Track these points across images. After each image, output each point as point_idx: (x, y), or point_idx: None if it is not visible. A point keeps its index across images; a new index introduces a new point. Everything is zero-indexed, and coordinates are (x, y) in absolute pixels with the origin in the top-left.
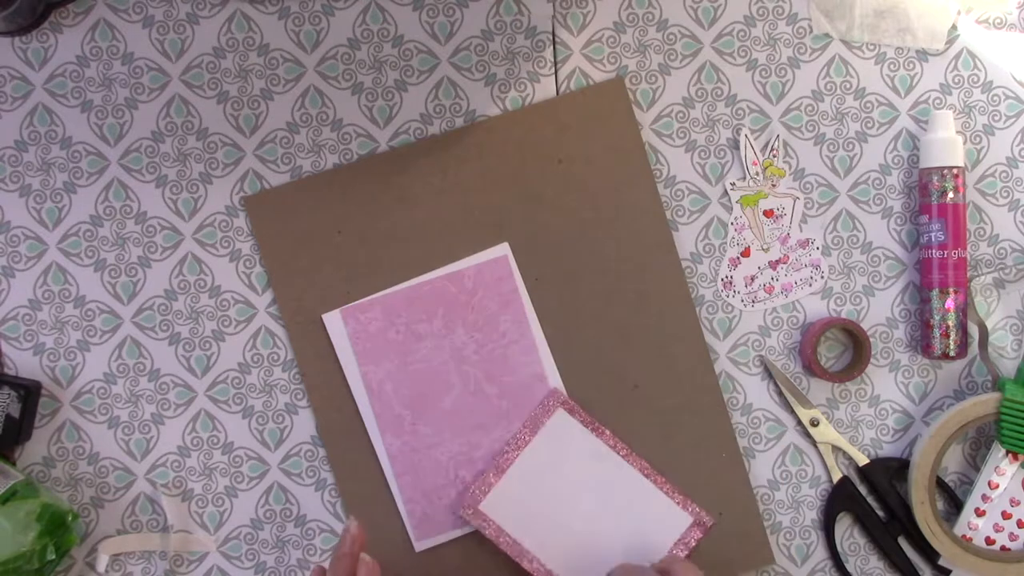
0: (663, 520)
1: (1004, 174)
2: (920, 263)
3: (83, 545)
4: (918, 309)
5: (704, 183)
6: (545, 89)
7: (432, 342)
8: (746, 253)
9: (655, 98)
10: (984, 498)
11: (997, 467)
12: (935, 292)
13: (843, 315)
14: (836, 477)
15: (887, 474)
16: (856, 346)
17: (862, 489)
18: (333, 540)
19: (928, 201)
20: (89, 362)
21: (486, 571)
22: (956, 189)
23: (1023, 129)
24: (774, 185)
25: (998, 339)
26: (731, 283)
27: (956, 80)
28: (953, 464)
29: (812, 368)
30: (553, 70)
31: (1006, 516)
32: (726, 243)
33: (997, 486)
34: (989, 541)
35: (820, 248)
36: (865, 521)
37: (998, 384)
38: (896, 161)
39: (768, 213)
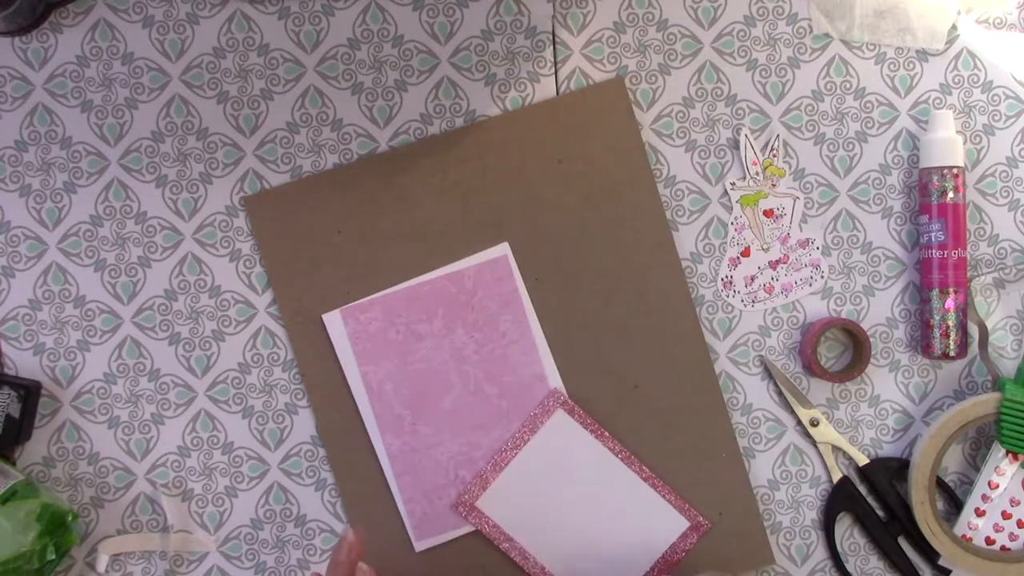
0: (660, 523)
1: (1004, 174)
2: (920, 263)
3: (83, 545)
4: (918, 309)
5: (704, 183)
6: (545, 89)
7: (432, 342)
8: (746, 253)
9: (655, 98)
10: (984, 498)
11: (997, 467)
12: (935, 292)
13: (843, 315)
14: (836, 477)
15: (887, 474)
16: (856, 346)
17: (862, 489)
18: (333, 540)
19: (928, 201)
20: (89, 362)
21: (486, 571)
22: (956, 189)
23: (1023, 129)
24: (774, 185)
25: (998, 339)
26: (731, 283)
27: (956, 80)
28: (953, 464)
29: (812, 368)
30: (553, 70)
31: (1006, 516)
32: (726, 243)
33: (997, 486)
34: (989, 541)
35: (820, 248)
36: (865, 521)
37: (998, 384)
38: (896, 161)
39: (768, 213)
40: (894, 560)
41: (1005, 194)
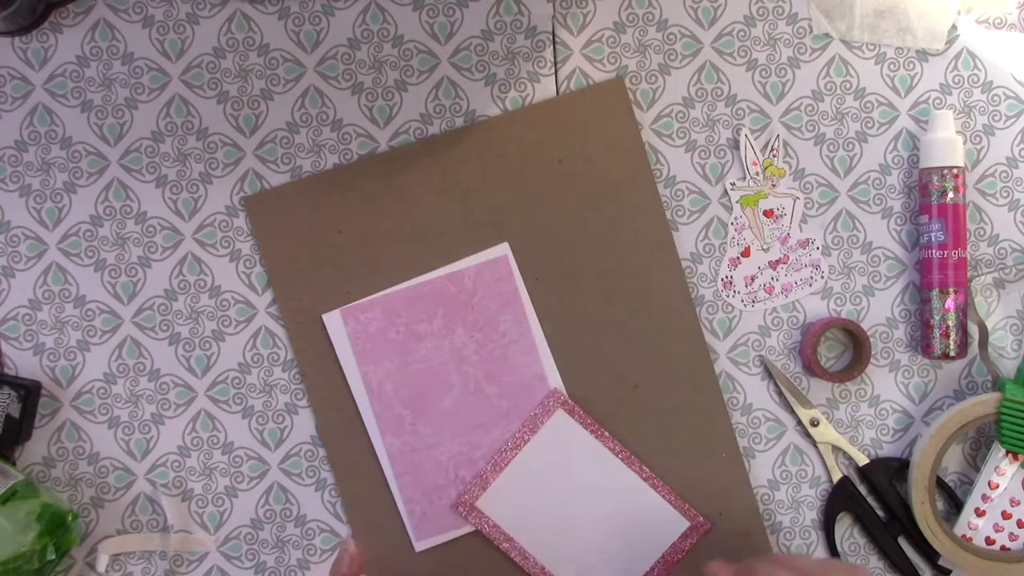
0: (660, 523)
1: (1004, 174)
2: (920, 263)
3: (83, 545)
4: (918, 309)
5: (704, 183)
6: (545, 89)
7: (432, 342)
8: (746, 253)
9: (655, 98)
10: (984, 498)
11: (997, 467)
12: (935, 292)
13: (843, 315)
14: (836, 477)
15: (887, 474)
16: (856, 346)
17: (862, 489)
18: (333, 540)
19: (928, 201)
20: (89, 362)
21: (486, 571)
22: (956, 189)
23: (1023, 129)
24: (774, 185)
25: (998, 339)
26: (731, 283)
27: (956, 80)
28: (953, 464)
29: (812, 368)
30: (553, 70)
31: (1006, 516)
32: (726, 243)
33: (997, 486)
34: (989, 541)
35: (820, 248)
36: (865, 521)
37: (998, 384)
38: (896, 161)
39: (768, 213)
40: (894, 560)
41: (1005, 194)
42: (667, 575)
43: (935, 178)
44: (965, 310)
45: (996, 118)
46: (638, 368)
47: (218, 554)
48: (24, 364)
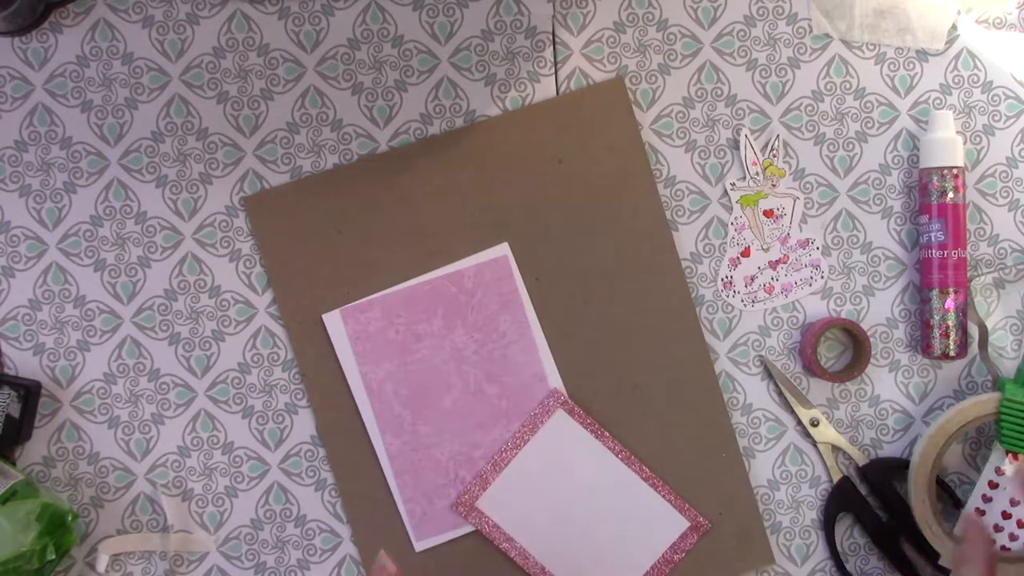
0: (659, 523)
1: (1004, 174)
2: (920, 263)
3: (83, 545)
4: (918, 309)
5: (704, 183)
6: (545, 89)
7: (432, 342)
8: (746, 253)
9: (655, 98)
10: (984, 498)
11: (997, 467)
12: (935, 292)
13: (843, 315)
14: (836, 477)
15: (887, 474)
16: (856, 346)
17: (862, 489)
18: (333, 540)
19: (928, 201)
20: (89, 362)
21: (486, 571)
22: (956, 189)
23: (1023, 129)
24: (774, 185)
25: (998, 339)
26: (731, 283)
27: (956, 80)
28: (953, 464)
29: (812, 368)
30: (553, 70)
31: (1006, 516)
32: (726, 243)
33: (997, 486)
34: None
35: (820, 248)
36: (865, 521)
37: (998, 384)
38: (896, 161)
39: (768, 213)
40: (894, 560)
41: (1005, 194)
42: (667, 575)
43: (935, 178)
44: (965, 310)
45: (996, 118)
46: (638, 368)
47: (218, 554)
48: (24, 364)
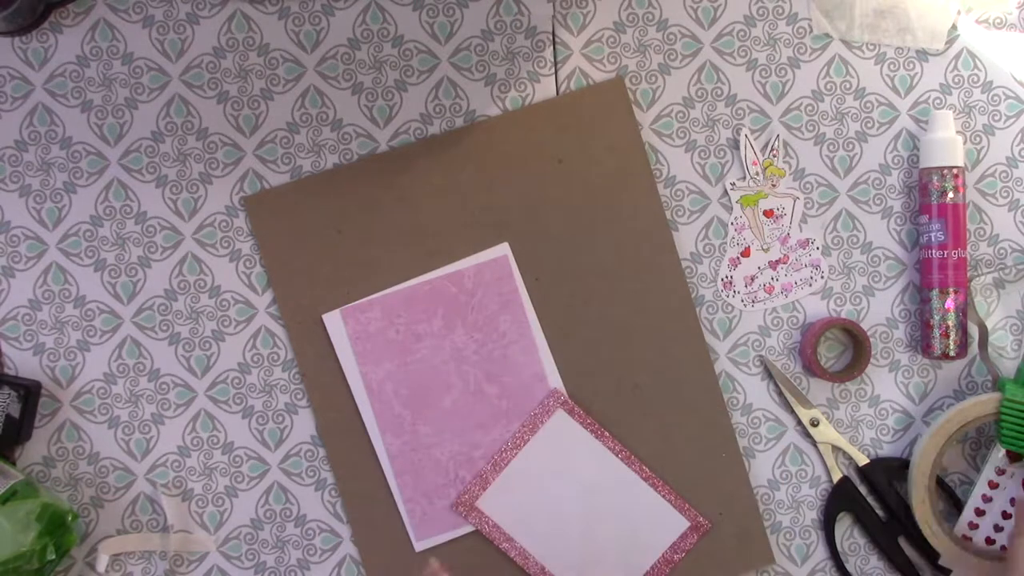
0: (659, 522)
1: (1004, 174)
2: (920, 263)
3: (83, 545)
4: (918, 309)
5: (704, 183)
6: (545, 89)
7: (432, 342)
8: (746, 253)
9: (655, 98)
10: (984, 498)
11: (997, 467)
12: (935, 292)
13: (843, 315)
14: (836, 477)
15: (887, 474)
16: (856, 346)
17: (862, 489)
18: (333, 540)
19: (928, 201)
20: (89, 362)
21: (486, 571)
22: (956, 189)
23: (1023, 129)
24: (774, 185)
25: (998, 339)
26: (731, 283)
27: (956, 80)
28: (953, 464)
29: (812, 368)
30: (553, 70)
31: (1006, 516)
32: (726, 243)
33: (997, 486)
34: (989, 541)
35: (820, 248)
36: (865, 521)
37: (998, 384)
38: (896, 161)
39: (768, 213)
40: (894, 560)
41: (1005, 194)
42: (667, 575)
43: (935, 178)
44: (965, 310)
45: (996, 118)
46: (638, 368)
47: (218, 554)
48: (24, 364)
